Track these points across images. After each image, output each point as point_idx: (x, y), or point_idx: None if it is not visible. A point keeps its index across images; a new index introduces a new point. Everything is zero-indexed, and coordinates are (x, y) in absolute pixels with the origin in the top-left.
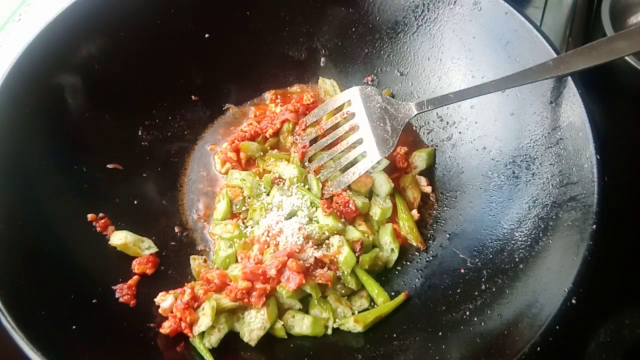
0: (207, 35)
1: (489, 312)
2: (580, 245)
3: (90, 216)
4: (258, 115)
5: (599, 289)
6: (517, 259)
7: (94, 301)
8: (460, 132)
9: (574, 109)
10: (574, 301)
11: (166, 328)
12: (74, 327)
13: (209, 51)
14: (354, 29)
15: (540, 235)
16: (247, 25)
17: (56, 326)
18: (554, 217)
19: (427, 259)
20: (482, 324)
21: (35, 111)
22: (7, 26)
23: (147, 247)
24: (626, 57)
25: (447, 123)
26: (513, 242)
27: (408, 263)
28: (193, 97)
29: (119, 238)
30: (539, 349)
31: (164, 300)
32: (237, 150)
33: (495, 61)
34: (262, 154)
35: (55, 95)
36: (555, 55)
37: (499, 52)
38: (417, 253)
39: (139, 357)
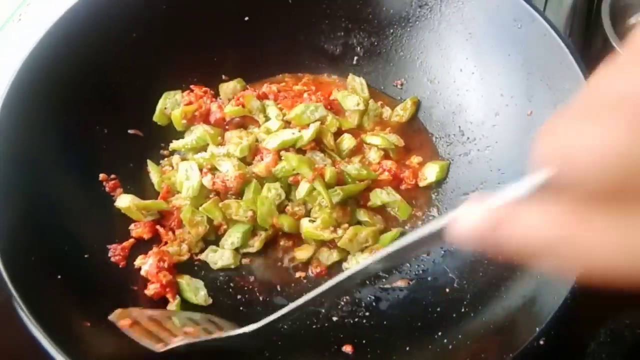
0: (246, 19)
1: (459, 336)
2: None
3: (102, 176)
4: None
5: (599, 289)
6: (502, 288)
7: (85, 256)
8: (478, 150)
9: None
10: (542, 342)
11: (151, 290)
12: (59, 276)
13: (247, 34)
14: (392, 31)
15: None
16: (288, 13)
17: (42, 272)
18: None
19: (417, 272)
20: (450, 347)
21: (72, 66)
22: (7, 26)
23: (150, 213)
24: None
25: (468, 138)
26: (502, 268)
27: (397, 272)
28: (224, 77)
29: (125, 201)
30: None
31: (145, 264)
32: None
33: (526, 86)
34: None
35: (86, 55)
36: None
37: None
38: (408, 265)
39: None
